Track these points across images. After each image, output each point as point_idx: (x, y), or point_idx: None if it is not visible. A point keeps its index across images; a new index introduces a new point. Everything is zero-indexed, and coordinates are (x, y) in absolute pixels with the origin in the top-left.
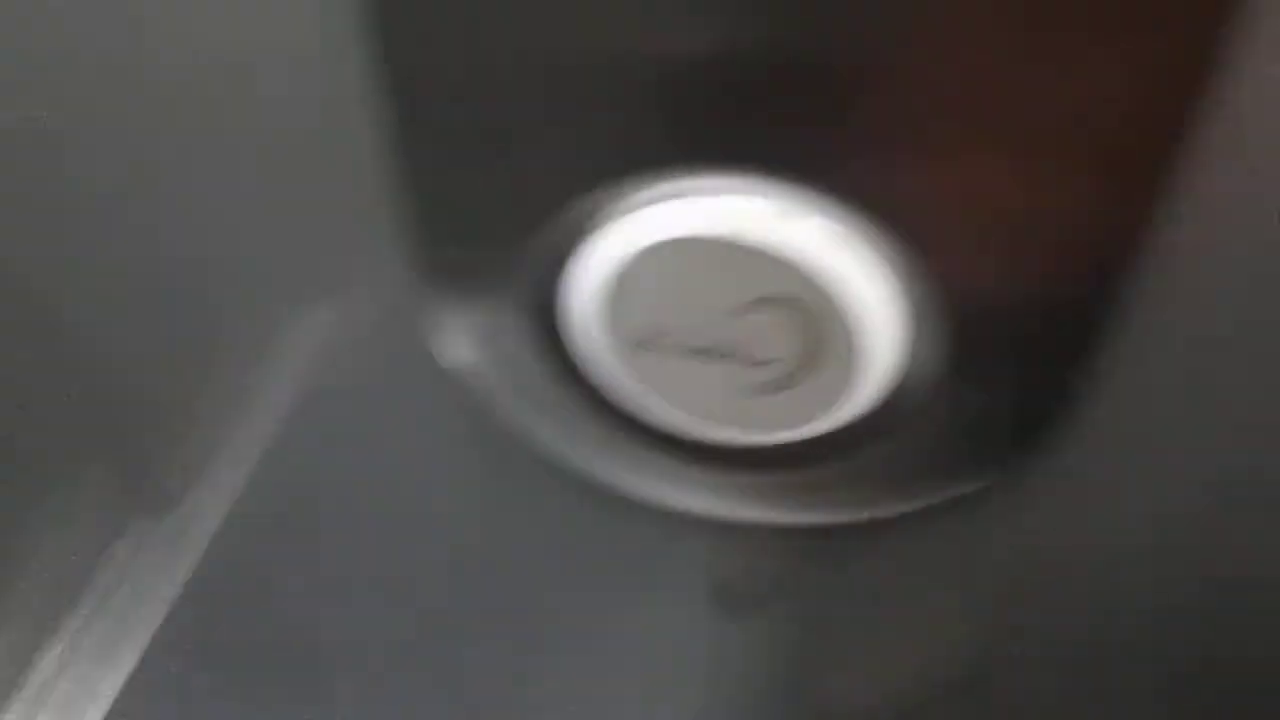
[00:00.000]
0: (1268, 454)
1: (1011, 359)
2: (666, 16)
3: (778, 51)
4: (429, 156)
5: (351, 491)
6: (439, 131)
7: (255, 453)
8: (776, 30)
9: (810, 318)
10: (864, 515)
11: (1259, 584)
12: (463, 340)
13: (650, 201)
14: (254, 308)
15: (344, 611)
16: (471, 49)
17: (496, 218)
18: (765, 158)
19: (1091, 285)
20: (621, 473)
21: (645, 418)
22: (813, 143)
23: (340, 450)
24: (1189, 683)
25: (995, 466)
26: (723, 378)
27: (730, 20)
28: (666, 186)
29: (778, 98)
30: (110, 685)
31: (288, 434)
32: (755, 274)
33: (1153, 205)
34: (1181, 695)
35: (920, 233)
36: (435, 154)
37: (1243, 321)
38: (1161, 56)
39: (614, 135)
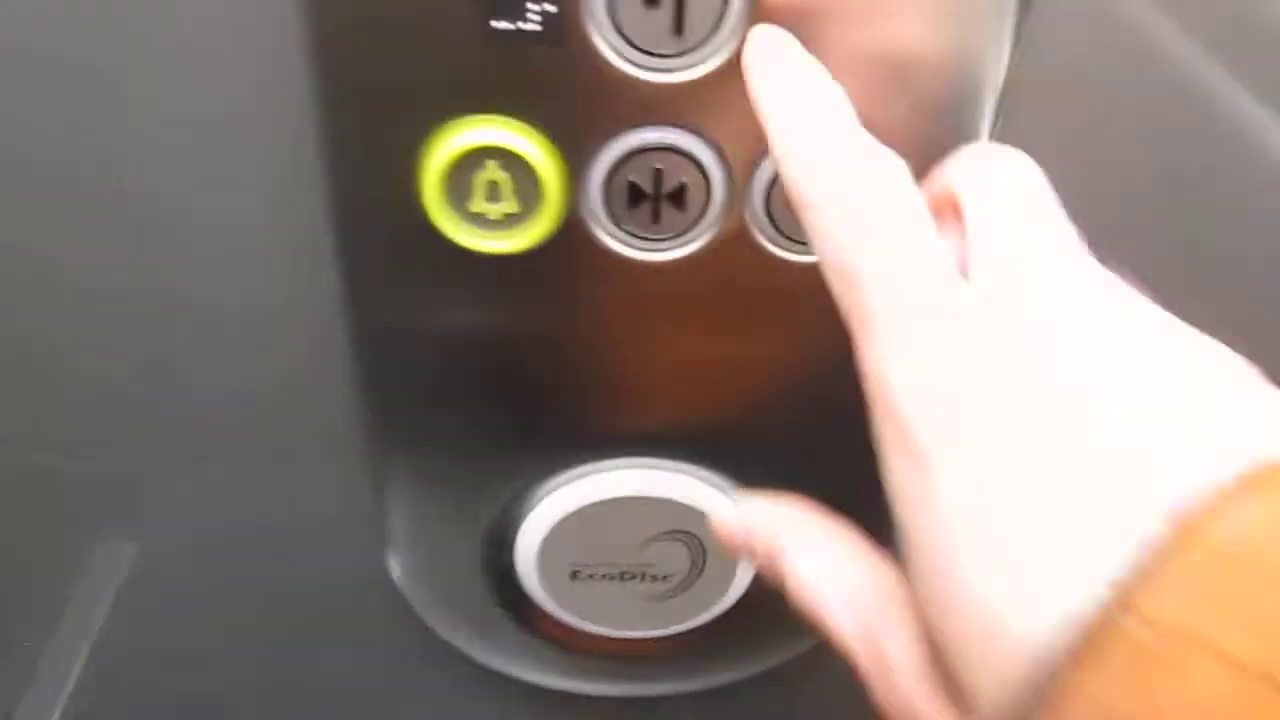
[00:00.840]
0: None
1: None
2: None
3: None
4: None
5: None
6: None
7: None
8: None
9: (694, 542)
10: (726, 680)
11: None
12: (422, 567)
13: (576, 476)
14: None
15: None
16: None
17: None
18: (655, 444)
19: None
20: (532, 669)
21: (574, 625)
22: (678, 432)
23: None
24: None
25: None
26: (632, 592)
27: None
28: (590, 465)
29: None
30: None
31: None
32: (654, 516)
33: None
34: None
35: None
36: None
37: None
38: None
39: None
